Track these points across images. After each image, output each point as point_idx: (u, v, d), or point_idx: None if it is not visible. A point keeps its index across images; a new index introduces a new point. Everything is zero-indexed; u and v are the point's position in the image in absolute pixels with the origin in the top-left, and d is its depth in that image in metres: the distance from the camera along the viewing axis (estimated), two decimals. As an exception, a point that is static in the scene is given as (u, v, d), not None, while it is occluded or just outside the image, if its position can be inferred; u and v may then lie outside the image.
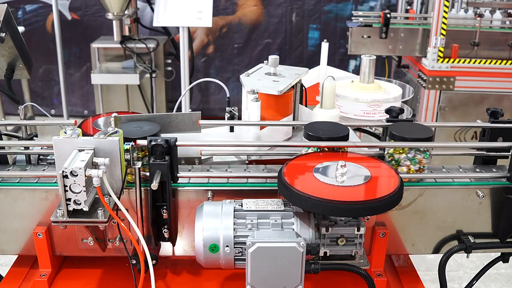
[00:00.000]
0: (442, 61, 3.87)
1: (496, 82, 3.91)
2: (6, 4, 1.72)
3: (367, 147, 1.43)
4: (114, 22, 4.16)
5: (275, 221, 1.25)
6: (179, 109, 2.56)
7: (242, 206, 1.28)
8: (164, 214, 1.35)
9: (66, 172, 1.15)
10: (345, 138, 1.41)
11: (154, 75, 4.56)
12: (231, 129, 1.70)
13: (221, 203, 1.29)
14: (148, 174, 1.31)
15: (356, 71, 4.34)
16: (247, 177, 1.43)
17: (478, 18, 4.00)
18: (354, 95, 1.78)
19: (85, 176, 1.16)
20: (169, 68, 4.79)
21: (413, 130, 1.43)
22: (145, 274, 1.30)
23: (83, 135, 1.27)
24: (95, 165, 1.22)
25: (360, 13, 4.35)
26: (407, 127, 1.45)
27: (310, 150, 1.42)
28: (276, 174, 1.33)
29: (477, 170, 1.52)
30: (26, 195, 1.40)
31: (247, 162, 1.58)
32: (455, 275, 3.32)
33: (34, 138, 1.59)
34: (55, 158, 1.25)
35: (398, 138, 1.39)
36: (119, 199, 1.26)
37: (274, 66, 1.69)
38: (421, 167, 1.41)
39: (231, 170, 1.48)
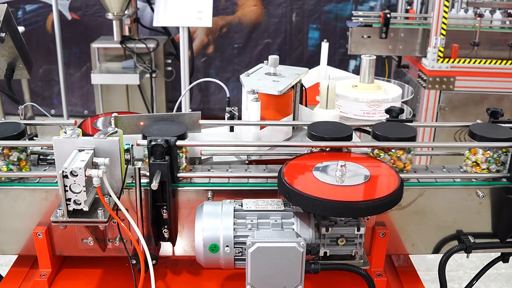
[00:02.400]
0: (442, 61, 3.86)
1: (496, 82, 3.90)
2: (6, 4, 1.72)
3: (367, 147, 1.43)
4: (114, 22, 4.16)
5: (275, 221, 1.25)
6: (179, 109, 2.56)
7: (242, 206, 1.28)
8: (164, 214, 1.35)
9: (66, 172, 1.15)
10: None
11: (154, 75, 4.56)
12: (231, 129, 1.70)
13: (221, 203, 1.29)
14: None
15: (356, 71, 4.34)
16: (247, 177, 1.43)
17: (478, 18, 4.00)
18: (354, 95, 1.78)
19: (85, 176, 1.16)
20: (169, 68, 4.78)
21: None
22: (145, 274, 1.30)
23: (82, 136, 1.27)
24: (95, 165, 1.22)
25: (360, 13, 4.35)
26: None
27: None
28: (276, 174, 1.33)
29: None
30: (26, 195, 1.40)
31: (247, 162, 1.58)
32: (455, 275, 3.32)
33: (34, 138, 1.59)
34: (55, 158, 1.25)
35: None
36: (119, 199, 1.26)
37: (274, 66, 1.69)
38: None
39: (231, 170, 1.48)
